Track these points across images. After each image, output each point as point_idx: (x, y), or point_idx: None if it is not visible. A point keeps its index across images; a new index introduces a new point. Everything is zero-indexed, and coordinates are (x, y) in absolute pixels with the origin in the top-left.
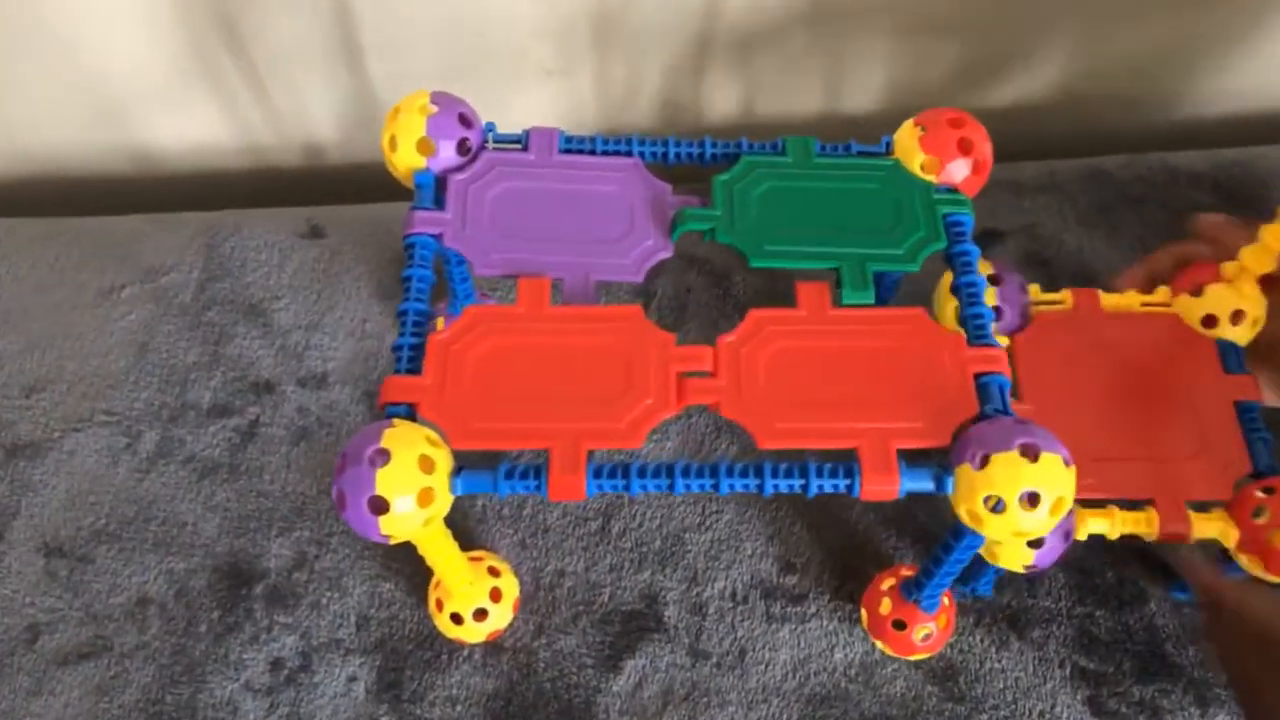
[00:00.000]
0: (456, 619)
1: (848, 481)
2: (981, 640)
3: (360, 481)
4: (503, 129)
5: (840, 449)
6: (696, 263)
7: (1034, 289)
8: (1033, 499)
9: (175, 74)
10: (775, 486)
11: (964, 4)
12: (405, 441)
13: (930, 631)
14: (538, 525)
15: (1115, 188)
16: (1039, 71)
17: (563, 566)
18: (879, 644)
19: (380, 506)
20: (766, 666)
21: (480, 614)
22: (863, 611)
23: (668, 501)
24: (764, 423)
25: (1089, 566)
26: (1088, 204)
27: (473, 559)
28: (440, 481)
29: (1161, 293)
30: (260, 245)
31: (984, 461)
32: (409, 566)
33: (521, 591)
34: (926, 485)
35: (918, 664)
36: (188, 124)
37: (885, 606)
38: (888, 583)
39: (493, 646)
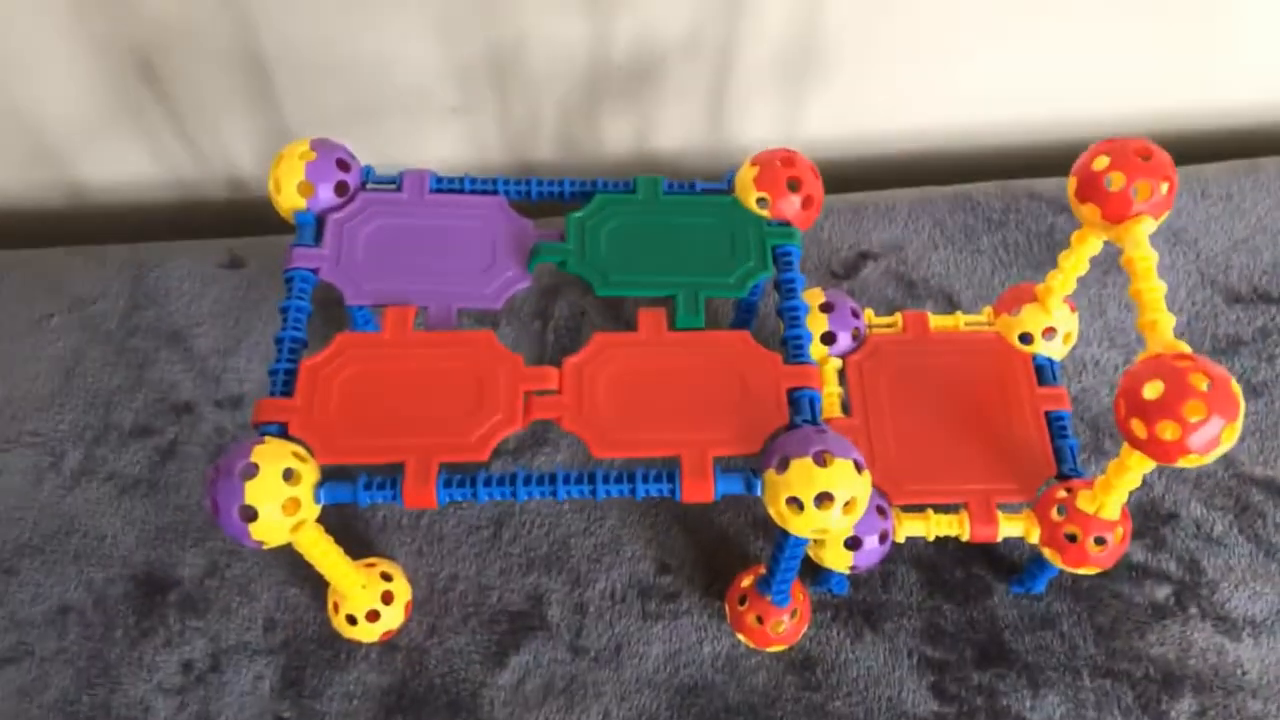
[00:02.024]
0: (351, 620)
1: (670, 486)
2: (838, 633)
3: (231, 492)
4: (412, 164)
5: (667, 456)
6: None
7: (869, 313)
8: (827, 499)
9: (101, 113)
10: (606, 491)
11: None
12: (272, 456)
13: (785, 624)
14: (434, 534)
15: (980, 213)
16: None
17: (456, 571)
18: (741, 637)
19: (249, 514)
20: (640, 660)
21: (373, 615)
22: (726, 607)
23: (556, 510)
24: (599, 434)
25: (939, 564)
26: (954, 228)
27: (367, 564)
28: (305, 492)
29: (986, 313)
30: (183, 275)
31: (784, 466)
32: (314, 573)
33: (416, 595)
34: (737, 488)
35: (779, 656)
36: (115, 161)
37: (745, 602)
38: (747, 580)
39: (388, 646)
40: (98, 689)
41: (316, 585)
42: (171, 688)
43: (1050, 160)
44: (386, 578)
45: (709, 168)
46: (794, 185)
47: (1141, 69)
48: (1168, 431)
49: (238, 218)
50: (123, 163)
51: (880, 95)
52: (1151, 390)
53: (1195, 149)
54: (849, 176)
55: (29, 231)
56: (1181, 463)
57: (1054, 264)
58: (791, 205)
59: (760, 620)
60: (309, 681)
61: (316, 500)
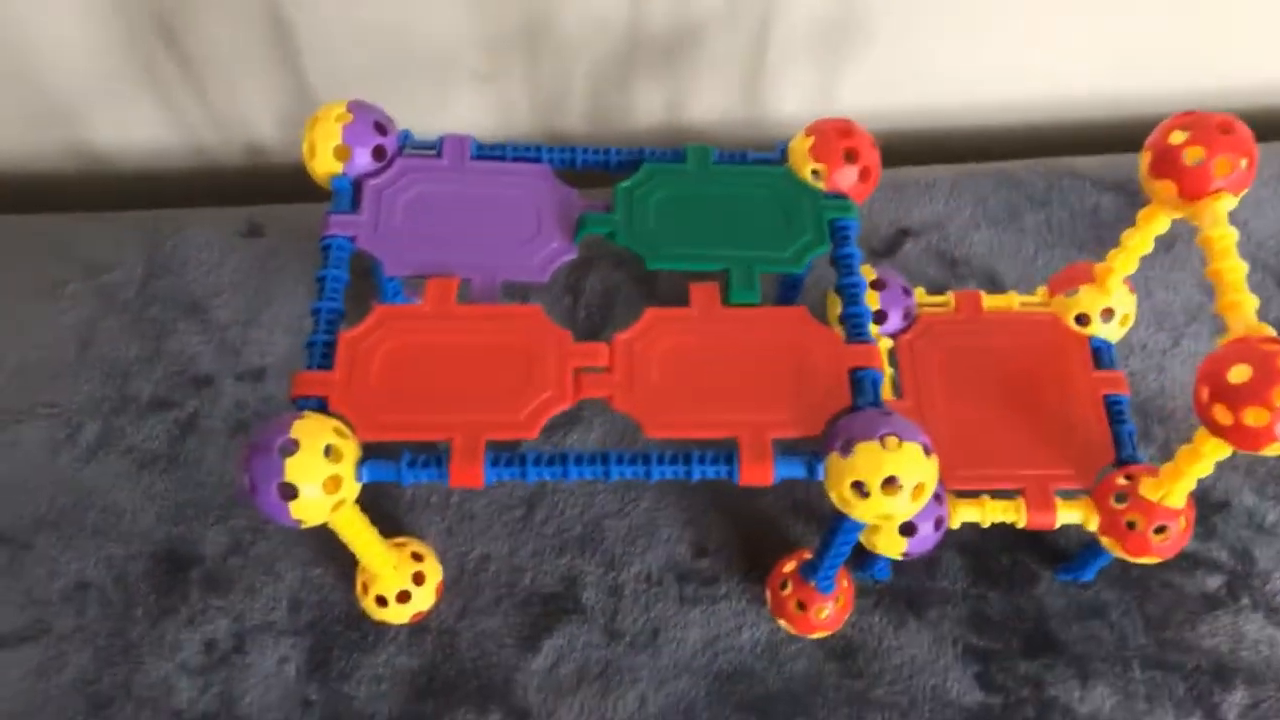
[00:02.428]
0: (381, 601)
1: (727, 468)
2: (880, 620)
3: (270, 468)
4: (438, 131)
5: (723, 438)
6: (625, 263)
7: (919, 292)
8: (893, 484)
9: (116, 74)
10: (661, 473)
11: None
12: (313, 432)
13: (829, 611)
14: (464, 513)
15: (1023, 190)
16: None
17: (487, 551)
18: (782, 623)
19: (289, 493)
20: (677, 645)
21: (403, 596)
22: (767, 593)
23: (589, 490)
24: (652, 414)
25: (985, 550)
26: (997, 206)
27: (397, 544)
28: (346, 469)
29: (1040, 294)
30: (201, 244)
31: (849, 449)
32: (340, 552)
33: (446, 576)
34: (799, 472)
35: (820, 643)
36: (131, 123)
37: (787, 588)
38: (789, 566)
39: (417, 628)
40: (118, 668)
41: (343, 565)
42: (194, 668)
43: (1092, 138)
44: (418, 558)
45: (742, 141)
46: (851, 156)
47: (1185, 46)
48: (1255, 417)
49: (257, 185)
50: (139, 126)
51: (918, 68)
52: (1238, 374)
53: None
54: (887, 151)
55: (44, 197)
56: (1267, 451)
57: (1098, 243)
58: (848, 177)
59: (802, 606)
60: (336, 664)
61: (358, 478)
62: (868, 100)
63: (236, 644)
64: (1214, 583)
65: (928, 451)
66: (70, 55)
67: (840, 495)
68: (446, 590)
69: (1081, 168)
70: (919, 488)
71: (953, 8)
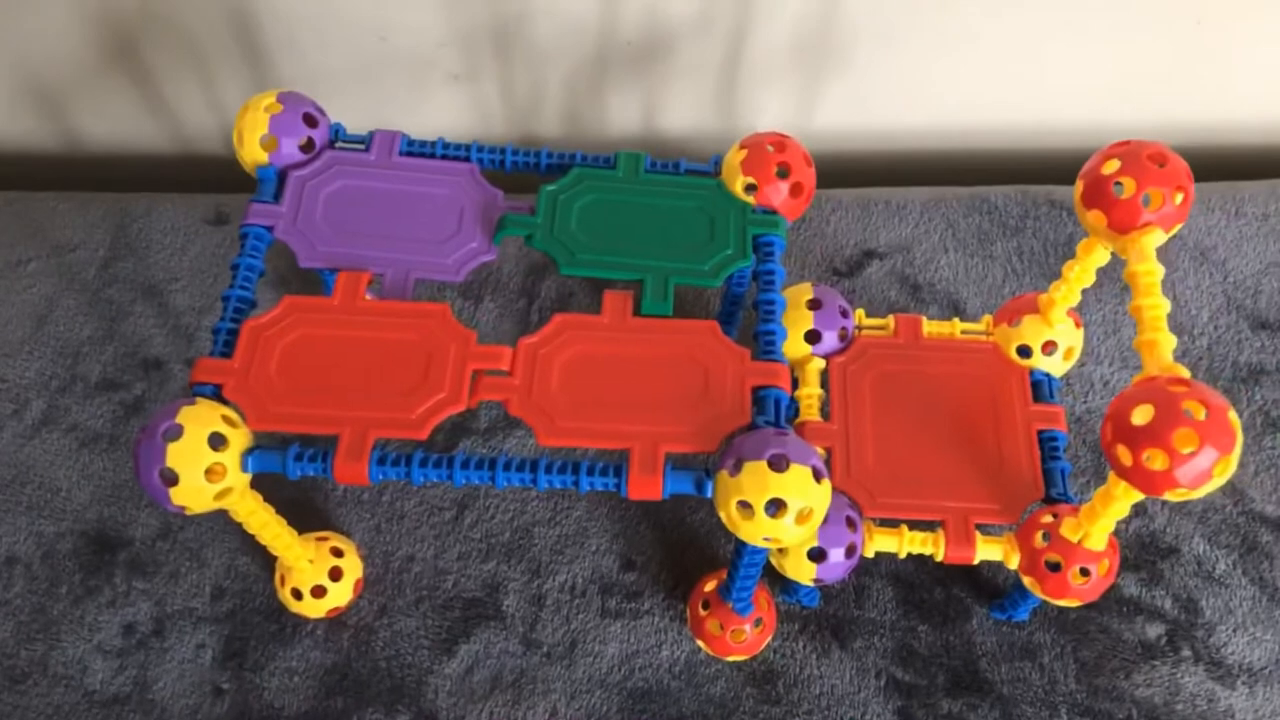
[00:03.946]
0: (296, 594)
1: (616, 480)
2: (804, 647)
3: (152, 453)
4: (413, 132)
5: (618, 449)
6: None
7: (859, 314)
8: (779, 506)
9: (95, 58)
10: (549, 481)
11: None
12: (199, 419)
13: (746, 634)
14: (394, 512)
15: (996, 217)
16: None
17: (413, 552)
18: (700, 644)
19: (170, 478)
20: (594, 659)
21: (319, 591)
22: (687, 611)
23: (521, 496)
24: (548, 421)
25: (917, 582)
26: (967, 231)
27: (319, 538)
28: (232, 458)
29: (985, 322)
30: (167, 228)
31: (738, 468)
32: None
33: (369, 574)
34: (687, 487)
35: (740, 666)
36: (109, 108)
37: (707, 608)
38: (710, 585)
39: (335, 623)
40: (36, 644)
41: (269, 556)
42: (111, 649)
43: (1074, 167)
44: (337, 553)
45: (717, 152)
46: (783, 171)
47: (1178, 78)
48: (1155, 461)
49: (234, 174)
50: (117, 111)
51: (899, 88)
52: (1141, 415)
53: (1233, 165)
54: (861, 170)
55: (20, 175)
56: (1168, 496)
57: None
58: (779, 193)
59: (721, 628)
60: (251, 654)
61: (244, 468)
62: (844, 118)
63: (156, 628)
64: (1154, 631)
65: (818, 476)
66: (50, 37)
67: (728, 515)
68: (368, 588)
69: (1060, 197)
70: (806, 512)
71: (936, 30)
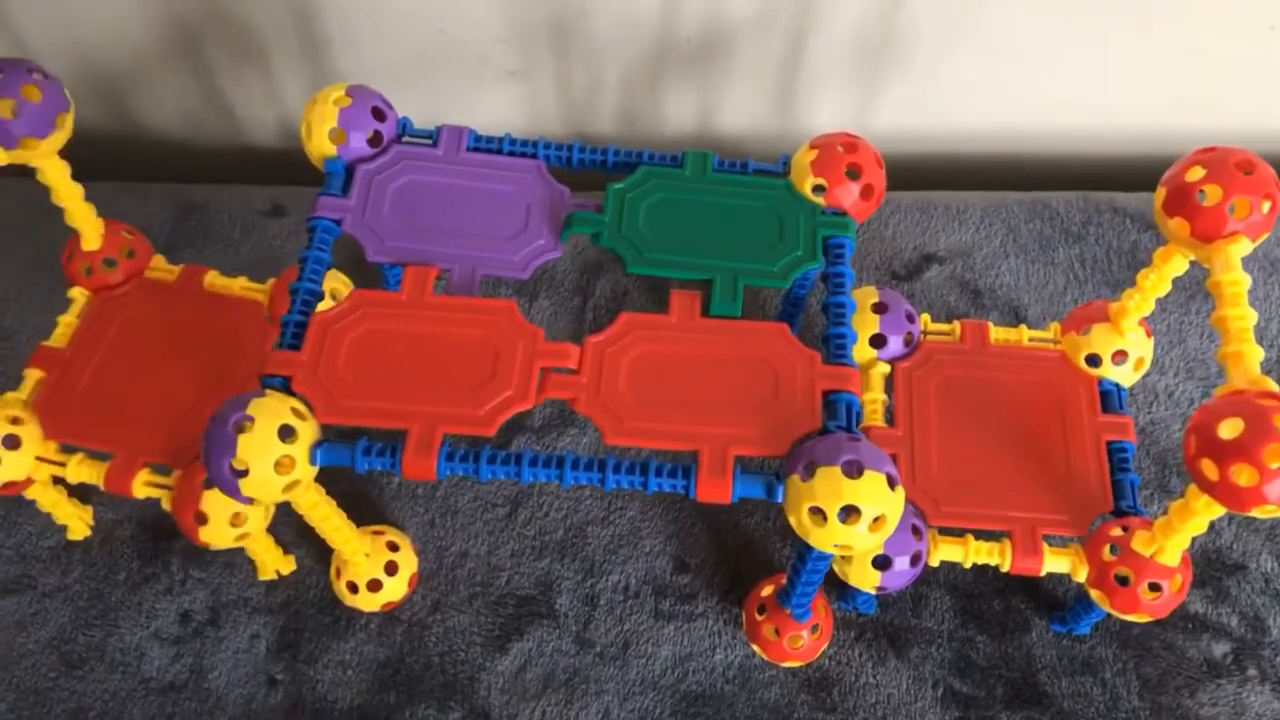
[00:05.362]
0: (352, 587)
1: (684, 482)
2: (860, 655)
3: (223, 444)
4: (470, 126)
5: (685, 450)
6: None
7: (924, 318)
8: (853, 513)
9: (156, 50)
10: (616, 481)
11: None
12: (270, 411)
13: (803, 640)
14: (448, 507)
15: (1058, 223)
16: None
17: (466, 548)
18: (755, 648)
19: (241, 469)
20: (648, 660)
21: (374, 585)
22: (743, 615)
23: (575, 494)
24: (615, 421)
25: (976, 592)
26: (1029, 237)
27: (375, 533)
28: (301, 451)
29: (1053, 330)
30: (224, 220)
31: (810, 473)
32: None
33: (423, 569)
34: (758, 492)
35: (795, 672)
36: (170, 99)
37: (763, 613)
38: (768, 589)
39: (389, 618)
40: (94, 630)
41: (324, 548)
42: (168, 637)
43: (1135, 174)
44: (393, 547)
45: (773, 154)
46: (854, 173)
47: (1250, 84)
48: (1243, 476)
49: (290, 165)
50: (177, 102)
51: (959, 92)
52: (1229, 429)
53: None
54: (920, 173)
55: (82, 163)
56: (1255, 513)
57: (1133, 284)
58: (849, 194)
59: (778, 633)
60: (305, 646)
61: (312, 461)
62: (903, 120)
63: (211, 617)
64: (1220, 649)
65: (893, 483)
66: (114, 29)
67: (799, 520)
68: (421, 583)
69: (1123, 203)
70: (879, 519)
71: (1001, 33)
